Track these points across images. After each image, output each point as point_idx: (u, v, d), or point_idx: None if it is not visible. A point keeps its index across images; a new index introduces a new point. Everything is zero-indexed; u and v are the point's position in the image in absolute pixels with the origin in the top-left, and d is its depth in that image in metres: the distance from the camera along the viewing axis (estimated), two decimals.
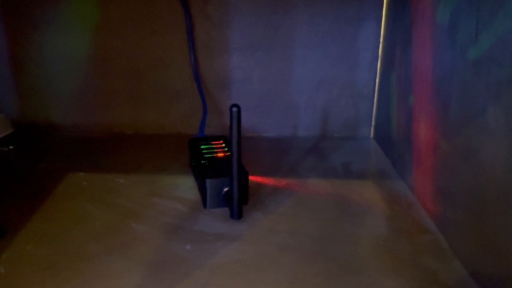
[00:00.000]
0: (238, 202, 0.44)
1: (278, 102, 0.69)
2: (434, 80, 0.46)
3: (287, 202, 0.50)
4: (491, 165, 0.35)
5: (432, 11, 0.46)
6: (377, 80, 0.66)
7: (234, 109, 0.41)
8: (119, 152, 0.63)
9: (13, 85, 0.68)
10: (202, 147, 0.54)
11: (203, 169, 0.49)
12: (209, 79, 0.68)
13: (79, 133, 0.69)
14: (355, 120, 0.68)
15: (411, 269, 0.38)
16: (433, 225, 0.45)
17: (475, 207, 0.37)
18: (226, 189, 0.47)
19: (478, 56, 0.37)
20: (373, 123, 0.68)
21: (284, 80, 0.68)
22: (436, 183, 0.45)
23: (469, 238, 0.38)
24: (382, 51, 0.64)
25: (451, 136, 0.42)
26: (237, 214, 0.45)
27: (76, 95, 0.68)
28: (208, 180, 0.47)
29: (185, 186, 0.53)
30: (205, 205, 0.48)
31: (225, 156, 0.52)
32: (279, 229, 0.44)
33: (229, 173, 0.45)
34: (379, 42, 0.64)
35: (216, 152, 0.53)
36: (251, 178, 0.52)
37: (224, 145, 0.55)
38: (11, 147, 0.63)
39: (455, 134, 0.41)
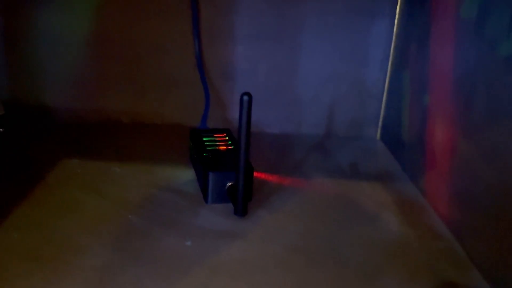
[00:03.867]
0: (243, 197, 0.41)
1: (283, 97, 0.66)
2: (455, 78, 0.43)
3: (293, 201, 0.47)
4: None
5: (456, 6, 0.44)
6: (387, 78, 0.63)
7: (246, 97, 0.38)
8: (115, 140, 0.60)
9: (4, 64, 0.64)
10: (204, 139, 0.51)
11: (205, 162, 0.46)
12: (211, 69, 0.65)
13: (73, 118, 0.65)
14: (362, 119, 0.66)
15: (427, 276, 0.36)
16: (447, 230, 0.42)
17: (499, 212, 0.35)
18: (229, 184, 0.44)
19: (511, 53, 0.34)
20: (380, 123, 0.65)
21: (291, 74, 0.65)
22: (453, 186, 0.42)
23: (489, 245, 0.36)
24: (394, 49, 0.61)
25: (473, 137, 0.39)
26: (241, 211, 0.42)
27: (71, 78, 0.65)
28: (211, 174, 0.44)
29: (185, 178, 0.50)
30: (206, 200, 0.45)
31: (227, 149, 0.49)
32: (286, 229, 0.42)
33: (233, 167, 0.42)
34: (392, 39, 0.62)
35: (219, 145, 0.50)
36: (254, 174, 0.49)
37: (227, 138, 0.52)
38: (1, 129, 0.60)
39: (478, 134, 0.39)
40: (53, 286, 0.32)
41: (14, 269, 0.34)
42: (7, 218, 0.40)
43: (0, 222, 0.39)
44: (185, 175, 0.51)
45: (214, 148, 0.49)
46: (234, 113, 0.66)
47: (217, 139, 0.52)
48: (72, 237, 0.38)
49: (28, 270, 0.34)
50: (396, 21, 0.61)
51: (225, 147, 0.50)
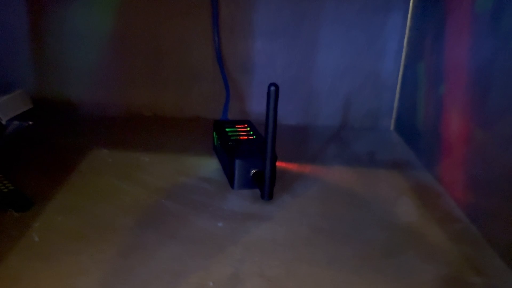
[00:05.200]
0: (270, 182, 0.44)
1: (300, 90, 0.68)
2: (471, 69, 0.45)
3: (314, 187, 0.49)
4: None
5: (470, 0, 0.46)
6: (401, 70, 0.65)
7: (272, 88, 0.40)
8: (139, 132, 0.62)
9: (32, 60, 0.67)
10: (227, 129, 0.54)
11: (230, 150, 0.48)
12: (231, 63, 0.67)
13: (97, 112, 0.68)
14: (377, 111, 0.68)
15: (446, 255, 0.38)
16: (463, 214, 0.44)
17: None
18: (254, 171, 0.47)
19: None
20: (394, 114, 0.67)
21: (308, 68, 0.67)
22: (468, 172, 0.45)
23: (506, 226, 0.38)
24: (408, 41, 0.64)
25: (488, 126, 0.41)
26: (268, 194, 0.44)
27: (95, 73, 0.68)
28: (237, 160, 0.46)
29: (210, 167, 0.52)
30: (232, 186, 0.47)
31: (249, 139, 0.52)
32: (310, 212, 0.44)
33: (256, 155, 0.45)
34: (405, 33, 0.64)
35: (241, 135, 0.52)
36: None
37: (248, 128, 0.54)
38: (30, 122, 0.62)
39: (494, 123, 0.41)
40: (100, 263, 0.35)
41: (62, 247, 0.36)
42: (48, 203, 0.42)
43: (43, 206, 0.42)
44: (210, 164, 0.53)
45: (237, 138, 0.52)
46: (252, 105, 0.69)
47: (239, 129, 0.54)
48: (112, 219, 0.40)
49: (75, 249, 0.36)
50: (409, 14, 0.63)
51: (246, 137, 0.52)
